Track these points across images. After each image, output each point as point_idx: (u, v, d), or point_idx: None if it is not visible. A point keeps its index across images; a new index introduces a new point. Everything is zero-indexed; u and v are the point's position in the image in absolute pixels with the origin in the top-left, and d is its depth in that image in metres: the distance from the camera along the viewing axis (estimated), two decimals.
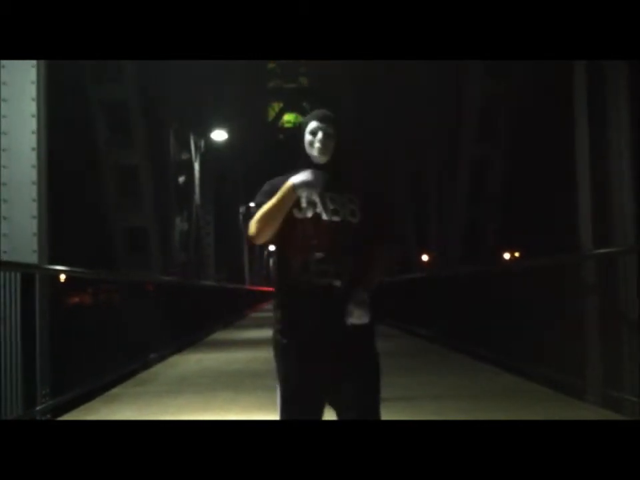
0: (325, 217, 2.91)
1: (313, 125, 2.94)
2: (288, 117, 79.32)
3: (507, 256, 31.12)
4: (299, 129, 3.02)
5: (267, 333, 12.21)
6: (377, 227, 2.96)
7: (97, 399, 6.81)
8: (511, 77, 19.87)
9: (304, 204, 2.92)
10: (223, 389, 7.30)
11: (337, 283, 2.84)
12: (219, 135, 26.89)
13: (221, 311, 20.32)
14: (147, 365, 9.43)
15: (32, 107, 5.74)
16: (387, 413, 5.46)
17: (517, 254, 36.79)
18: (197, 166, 28.17)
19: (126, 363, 8.37)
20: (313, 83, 66.31)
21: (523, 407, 5.76)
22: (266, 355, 11.30)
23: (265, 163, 43.06)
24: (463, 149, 20.71)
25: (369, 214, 2.94)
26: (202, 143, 28.55)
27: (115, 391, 7.41)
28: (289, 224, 2.90)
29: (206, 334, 15.63)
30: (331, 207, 2.92)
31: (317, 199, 2.94)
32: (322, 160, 2.95)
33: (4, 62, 5.79)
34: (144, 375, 8.86)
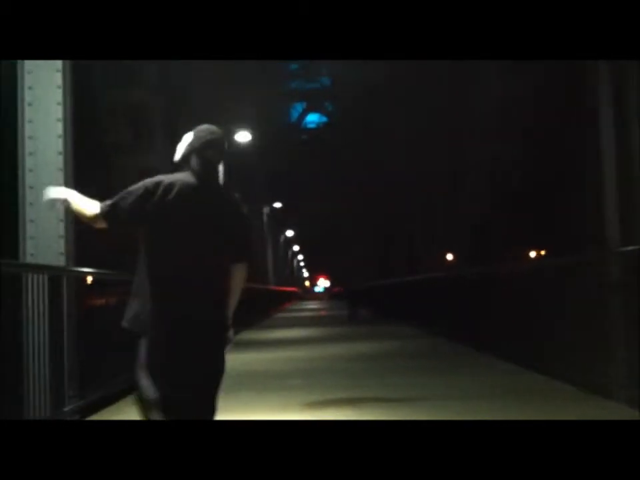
0: (198, 211, 3.05)
1: (216, 141, 3.26)
2: (311, 117, 79.36)
3: (532, 254, 30.96)
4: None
5: (292, 333, 12.26)
6: (236, 247, 3.08)
7: (124, 399, 6.87)
8: (529, 75, 19.71)
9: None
10: (247, 390, 7.33)
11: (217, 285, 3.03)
12: (243, 136, 26.96)
13: (246, 311, 20.37)
14: None
15: (58, 111, 5.82)
16: (411, 414, 5.47)
17: (542, 252, 36.49)
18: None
19: None
20: (336, 82, 66.30)
21: (552, 407, 5.72)
22: (291, 355, 11.36)
23: (288, 163, 43.12)
24: (481, 147, 20.59)
25: (235, 221, 3.10)
26: (225, 145, 28.63)
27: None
28: None
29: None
30: (206, 206, 3.06)
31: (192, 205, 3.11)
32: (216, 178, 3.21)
33: (30, 67, 5.88)
34: None
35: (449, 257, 26.04)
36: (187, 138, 3.16)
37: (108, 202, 3.02)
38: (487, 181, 20.80)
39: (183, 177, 3.06)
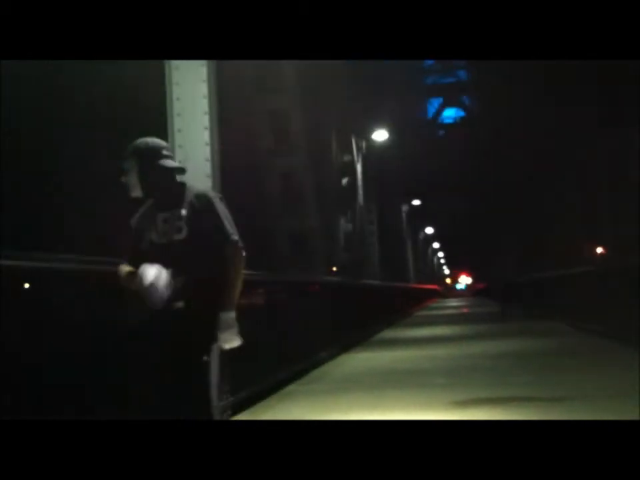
0: (155, 239, 3.02)
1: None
2: (448, 112, 78.24)
3: None
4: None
5: (433, 331, 12.10)
6: (206, 236, 2.97)
7: (273, 396, 7.09)
8: None
9: (147, 234, 3.03)
10: (391, 388, 7.35)
11: (179, 304, 2.90)
12: (380, 135, 27.05)
13: (387, 309, 20.43)
14: (317, 364, 9.68)
15: (204, 104, 6.04)
16: (535, 413, 5.26)
17: None
18: (359, 167, 28.48)
19: (298, 361, 8.64)
20: (472, 76, 64.97)
21: None
22: (432, 353, 11.27)
23: (426, 159, 42.74)
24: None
25: (195, 225, 2.98)
26: (363, 144, 28.83)
27: (289, 388, 7.68)
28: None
29: (373, 333, 15.78)
30: (162, 229, 3.02)
31: (148, 223, 3.05)
32: (136, 194, 3.09)
33: (176, 63, 6.13)
34: (315, 373, 9.11)
35: (599, 249, 24.91)
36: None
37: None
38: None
39: None
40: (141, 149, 3.13)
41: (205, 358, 2.91)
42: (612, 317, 11.25)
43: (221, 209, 3.08)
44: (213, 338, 2.92)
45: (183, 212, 3.01)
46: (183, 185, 3.17)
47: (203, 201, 3.06)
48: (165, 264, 2.93)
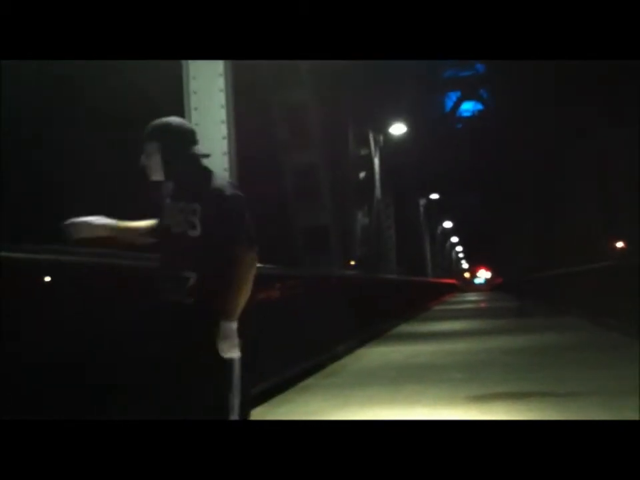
0: (171, 225, 2.85)
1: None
2: (466, 106, 77.89)
3: None
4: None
5: (451, 325, 12.07)
6: (218, 236, 2.78)
7: (291, 389, 7.10)
8: None
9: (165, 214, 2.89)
10: (408, 382, 7.33)
11: (189, 301, 2.76)
12: (398, 129, 26.97)
13: (404, 304, 20.39)
14: (334, 357, 9.68)
15: (221, 98, 6.06)
16: (551, 409, 5.22)
17: None
18: (376, 160, 28.41)
19: (316, 355, 8.65)
20: (490, 69, 64.59)
21: None
22: (450, 348, 11.24)
23: (444, 153, 42.58)
24: None
25: (208, 223, 2.78)
26: (381, 138, 28.75)
27: (307, 381, 7.69)
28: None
29: (390, 327, 15.76)
30: (177, 219, 2.84)
31: (167, 209, 2.89)
32: (157, 178, 2.90)
33: (194, 73, 6.15)
34: (333, 366, 9.11)
35: (619, 244, 24.70)
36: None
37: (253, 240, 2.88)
38: None
39: None
40: (166, 130, 2.91)
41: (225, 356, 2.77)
42: (630, 313, 11.15)
43: (238, 207, 2.83)
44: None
45: (198, 207, 2.81)
46: (207, 173, 2.96)
47: (219, 197, 2.83)
48: (176, 253, 2.81)
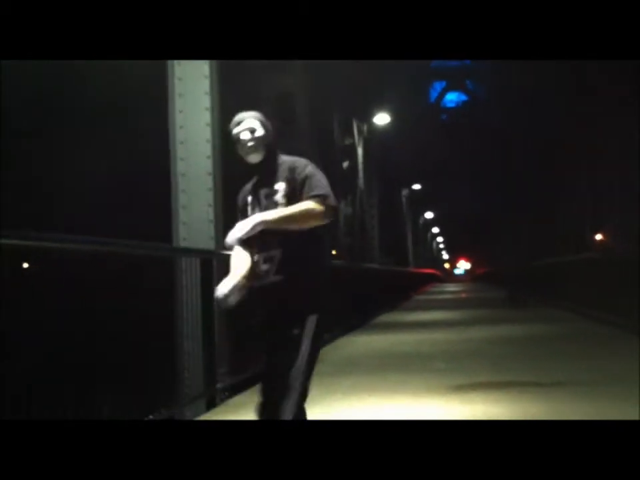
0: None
1: (234, 132, 3.05)
2: (450, 97, 77.99)
3: None
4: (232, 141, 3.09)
5: (434, 315, 12.11)
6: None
7: None
8: None
9: (249, 209, 3.06)
10: (392, 371, 7.36)
11: (276, 279, 2.94)
12: (382, 119, 26.95)
13: (387, 293, 20.44)
14: None
15: (206, 101, 6.04)
16: (534, 399, 5.25)
17: None
18: (360, 150, 28.39)
19: None
20: (476, 60, 64.60)
21: None
22: (434, 337, 11.27)
23: (428, 143, 42.63)
24: None
25: (292, 199, 2.95)
26: (365, 127, 28.72)
27: None
28: None
29: (372, 316, 15.79)
30: (265, 203, 3.01)
31: (252, 199, 3.06)
32: (254, 159, 3.03)
33: (180, 74, 6.11)
34: None
35: (598, 236, 24.87)
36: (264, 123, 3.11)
37: (326, 193, 2.98)
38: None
39: None
40: (262, 118, 3.10)
41: (295, 331, 2.88)
42: (615, 305, 11.24)
43: (316, 173, 3.02)
44: (308, 311, 2.90)
45: (282, 186, 2.99)
46: (279, 155, 3.13)
47: (297, 172, 3.01)
48: (268, 239, 2.95)
